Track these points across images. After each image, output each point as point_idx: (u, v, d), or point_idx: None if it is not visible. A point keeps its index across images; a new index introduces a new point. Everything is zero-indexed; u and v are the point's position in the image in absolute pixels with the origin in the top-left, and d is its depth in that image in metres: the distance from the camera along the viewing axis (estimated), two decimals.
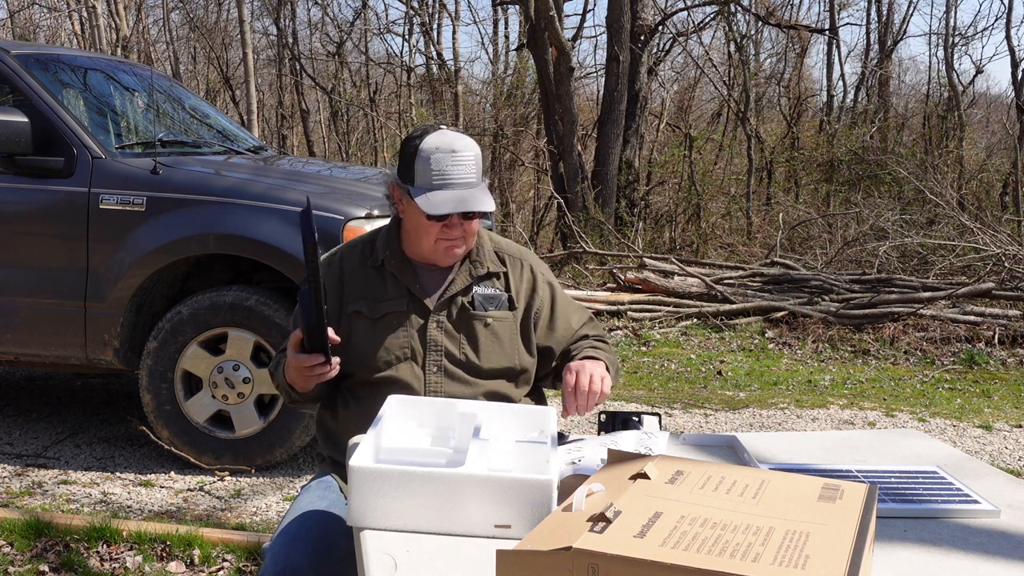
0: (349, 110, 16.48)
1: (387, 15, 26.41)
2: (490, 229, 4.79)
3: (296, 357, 1.86)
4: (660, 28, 12.90)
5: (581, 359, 2.02)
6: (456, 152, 1.94)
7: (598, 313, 7.49)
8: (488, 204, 1.97)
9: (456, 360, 2.01)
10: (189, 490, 3.76)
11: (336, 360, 1.89)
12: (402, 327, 2.02)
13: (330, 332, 1.88)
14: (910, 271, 8.54)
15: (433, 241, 2.00)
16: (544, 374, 2.15)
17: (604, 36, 13.23)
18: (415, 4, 15.98)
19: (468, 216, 1.98)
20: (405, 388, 1.97)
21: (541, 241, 13.03)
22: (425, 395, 1.98)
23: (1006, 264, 7.67)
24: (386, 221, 2.17)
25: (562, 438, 1.83)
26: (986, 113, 19.42)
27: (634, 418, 1.91)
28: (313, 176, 4.63)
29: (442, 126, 2.01)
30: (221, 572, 3.00)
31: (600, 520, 1.05)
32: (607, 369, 2.00)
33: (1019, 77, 13.59)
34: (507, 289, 2.08)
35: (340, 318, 2.05)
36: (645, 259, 8.84)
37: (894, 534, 1.40)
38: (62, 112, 4.01)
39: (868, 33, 16.52)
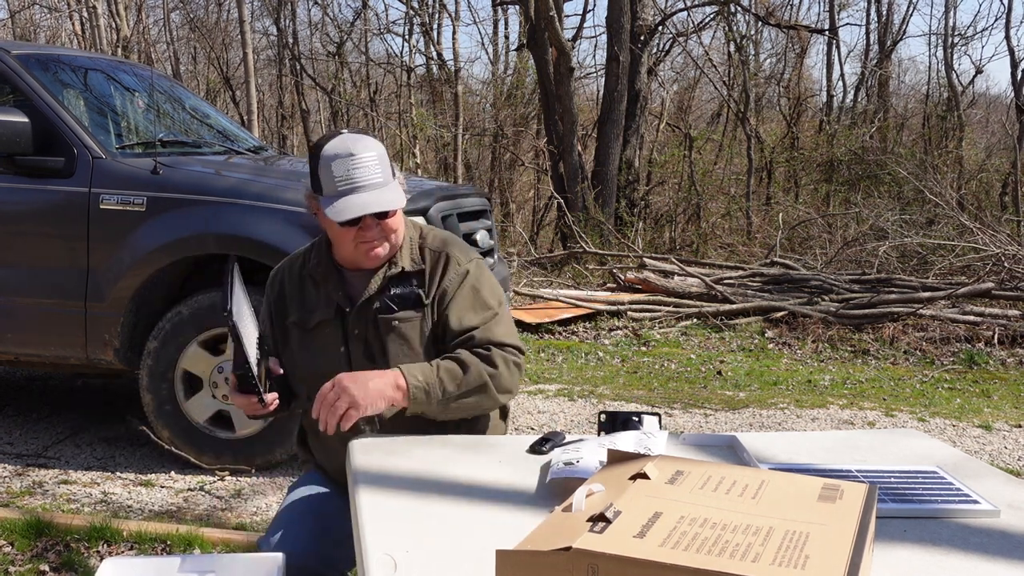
0: (349, 110, 16.49)
1: (387, 15, 26.43)
2: (489, 230, 4.80)
3: (232, 396, 1.91)
4: (660, 28, 12.91)
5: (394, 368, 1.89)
6: (354, 155, 1.89)
7: (598, 313, 7.48)
8: (394, 202, 1.91)
9: (370, 367, 1.96)
10: (189, 490, 3.76)
11: (271, 396, 1.92)
12: (332, 336, 2.01)
13: (273, 363, 1.95)
14: (910, 271, 8.54)
15: (353, 247, 1.96)
16: None
17: (604, 36, 13.24)
18: (415, 4, 15.98)
19: (382, 215, 1.93)
20: None
21: (541, 241, 13.03)
22: None
23: (1006, 264, 7.67)
24: None
25: (561, 438, 1.83)
26: (986, 113, 19.44)
27: (634, 418, 1.90)
28: None
29: (344, 131, 1.96)
30: None
31: (600, 520, 1.05)
32: (405, 383, 1.83)
33: (1019, 77, 13.60)
34: (421, 286, 2.00)
35: (284, 330, 2.07)
36: (645, 259, 8.84)
37: (894, 534, 1.40)
38: (62, 112, 4.01)
39: (868, 33, 16.59)
